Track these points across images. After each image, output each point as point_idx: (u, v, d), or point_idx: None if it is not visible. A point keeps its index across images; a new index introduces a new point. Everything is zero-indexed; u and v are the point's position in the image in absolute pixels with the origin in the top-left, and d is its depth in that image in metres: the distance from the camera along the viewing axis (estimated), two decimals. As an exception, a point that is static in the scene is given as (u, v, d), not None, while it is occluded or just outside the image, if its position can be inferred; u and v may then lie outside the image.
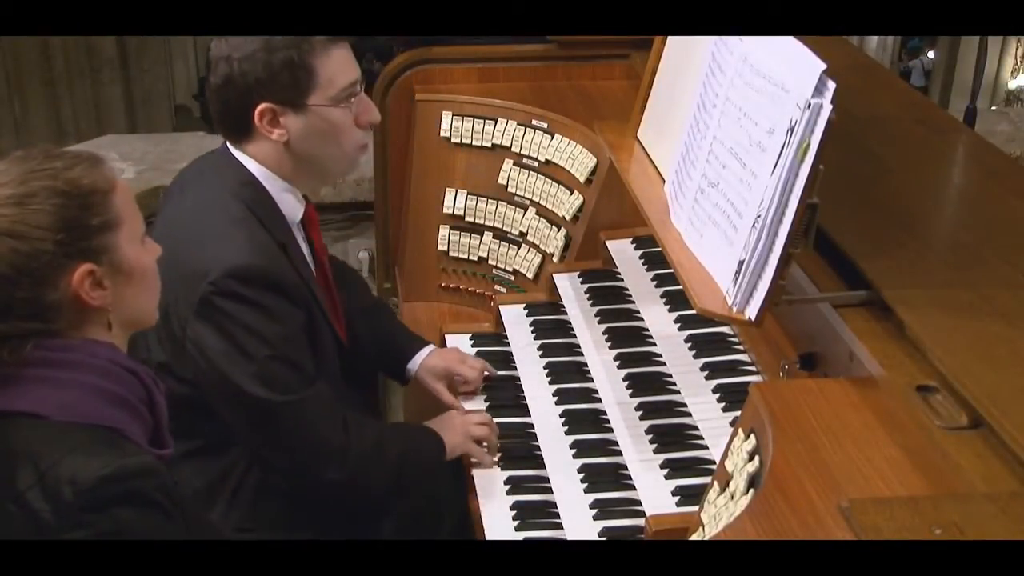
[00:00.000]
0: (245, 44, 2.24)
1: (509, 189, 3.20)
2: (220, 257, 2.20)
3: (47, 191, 1.66)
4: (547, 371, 2.66)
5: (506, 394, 2.73)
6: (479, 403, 2.71)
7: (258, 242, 2.25)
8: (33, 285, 1.66)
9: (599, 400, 2.48)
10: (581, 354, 2.64)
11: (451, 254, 3.32)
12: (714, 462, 2.06)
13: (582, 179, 3.02)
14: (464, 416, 2.59)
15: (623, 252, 2.88)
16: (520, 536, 2.31)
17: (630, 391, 2.40)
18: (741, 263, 1.94)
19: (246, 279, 2.19)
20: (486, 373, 2.75)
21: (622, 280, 2.82)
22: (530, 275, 3.14)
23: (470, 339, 2.93)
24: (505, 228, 3.22)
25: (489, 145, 3.24)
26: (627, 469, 2.24)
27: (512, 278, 3.22)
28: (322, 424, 2.30)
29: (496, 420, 2.61)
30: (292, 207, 2.37)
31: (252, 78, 2.24)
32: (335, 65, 2.29)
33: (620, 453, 2.29)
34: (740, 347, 2.38)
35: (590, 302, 2.77)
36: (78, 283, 1.67)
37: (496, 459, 2.54)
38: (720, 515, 1.75)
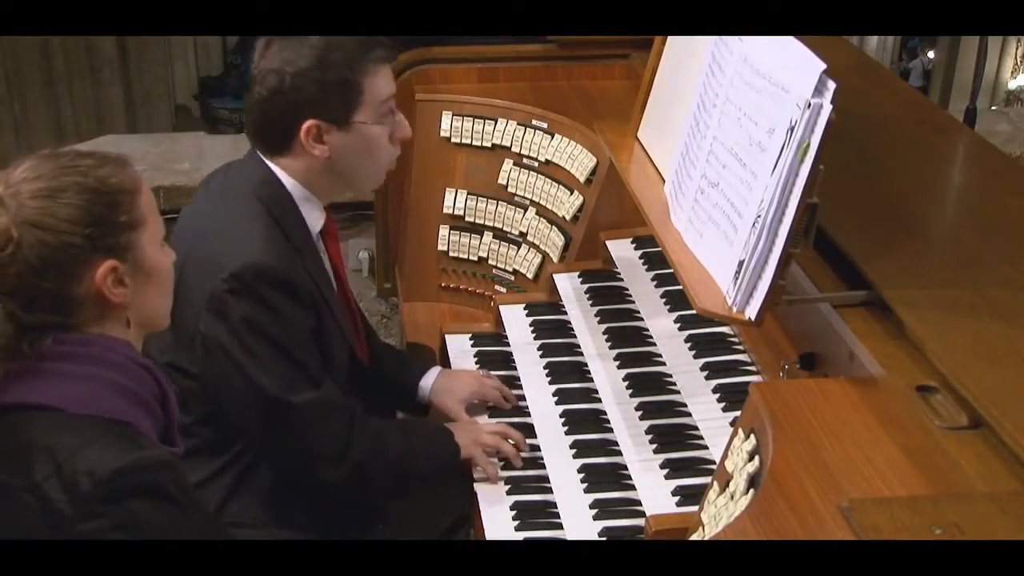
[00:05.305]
0: (298, 59, 2.23)
1: (509, 189, 3.20)
2: (235, 252, 2.21)
3: (77, 187, 1.70)
4: (547, 371, 2.66)
5: (506, 394, 2.72)
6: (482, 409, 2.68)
7: (272, 240, 2.26)
8: (58, 277, 1.68)
9: (599, 400, 2.48)
10: (581, 354, 2.64)
11: (451, 254, 3.32)
12: (714, 462, 2.06)
13: (582, 179, 3.02)
14: (477, 424, 2.57)
15: (623, 252, 2.88)
16: (520, 536, 2.31)
17: (630, 391, 2.40)
18: (741, 263, 1.94)
19: (258, 276, 2.21)
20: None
21: (622, 280, 2.81)
22: (530, 275, 3.14)
23: (470, 339, 2.93)
24: (505, 228, 3.22)
25: (489, 145, 3.24)
26: (627, 469, 2.24)
27: (512, 278, 3.21)
28: (323, 427, 2.30)
29: (495, 420, 2.60)
30: (313, 218, 2.37)
31: (304, 95, 2.24)
32: (380, 82, 2.31)
33: (620, 453, 2.29)
34: (740, 347, 2.38)
35: (590, 302, 2.77)
36: (101, 279, 1.70)
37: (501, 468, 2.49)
38: (720, 515, 1.75)
